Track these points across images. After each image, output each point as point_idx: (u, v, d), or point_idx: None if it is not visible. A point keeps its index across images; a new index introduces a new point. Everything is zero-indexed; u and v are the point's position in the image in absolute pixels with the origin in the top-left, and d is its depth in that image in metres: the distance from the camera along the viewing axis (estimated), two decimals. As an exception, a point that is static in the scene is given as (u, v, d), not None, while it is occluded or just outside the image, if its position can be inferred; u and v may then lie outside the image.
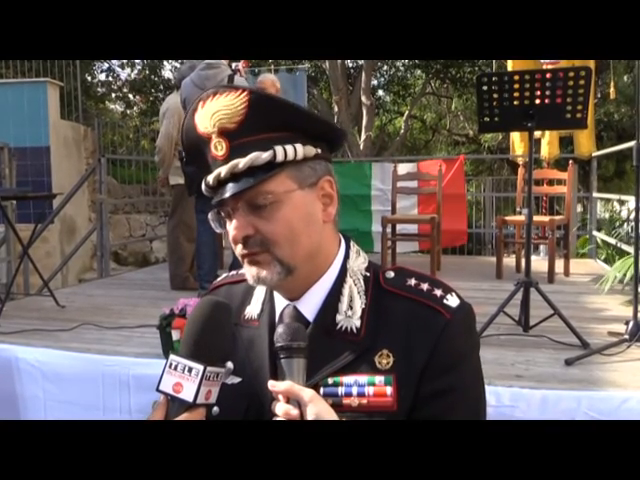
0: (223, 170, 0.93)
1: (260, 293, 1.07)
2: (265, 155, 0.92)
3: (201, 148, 0.97)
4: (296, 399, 0.86)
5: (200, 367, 0.86)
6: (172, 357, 0.88)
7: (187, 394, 0.86)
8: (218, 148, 0.94)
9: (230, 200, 0.94)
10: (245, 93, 0.92)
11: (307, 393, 0.86)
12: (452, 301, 0.97)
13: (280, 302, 1.03)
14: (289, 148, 0.94)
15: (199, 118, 0.95)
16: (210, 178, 0.96)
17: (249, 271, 0.98)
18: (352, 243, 1.05)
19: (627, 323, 2.73)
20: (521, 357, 2.58)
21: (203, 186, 0.98)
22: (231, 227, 0.96)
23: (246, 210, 0.94)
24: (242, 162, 0.92)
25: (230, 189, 0.93)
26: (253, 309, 1.06)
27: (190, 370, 0.86)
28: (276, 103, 0.95)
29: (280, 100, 0.97)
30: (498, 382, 2.22)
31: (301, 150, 0.95)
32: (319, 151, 0.98)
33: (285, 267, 0.95)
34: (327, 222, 1.00)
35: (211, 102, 0.93)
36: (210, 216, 1.01)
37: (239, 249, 0.97)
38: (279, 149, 0.93)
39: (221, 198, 0.94)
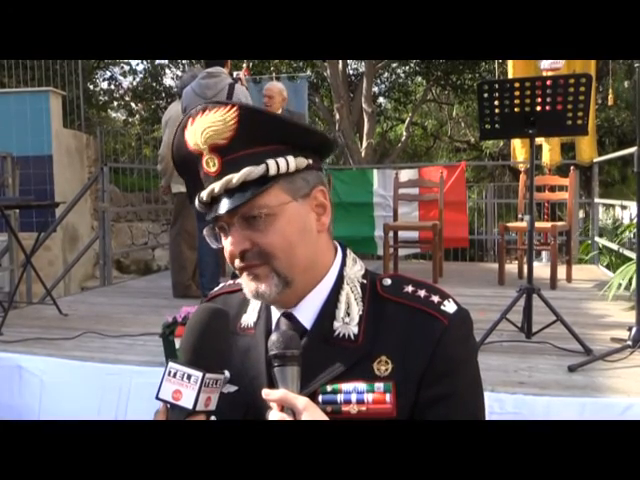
0: (217, 186, 0.93)
1: (256, 301, 1.06)
2: (258, 169, 0.92)
3: (193, 164, 0.97)
4: (290, 407, 0.86)
5: (199, 374, 0.86)
6: (171, 364, 0.88)
7: (186, 401, 0.85)
8: (210, 164, 0.93)
9: (225, 215, 0.94)
10: (235, 108, 0.92)
11: (301, 401, 0.86)
12: (449, 307, 0.97)
13: (277, 310, 1.03)
14: (281, 161, 0.94)
15: (189, 135, 0.95)
16: (204, 194, 0.95)
17: (248, 286, 0.97)
18: (348, 251, 1.05)
19: (630, 329, 2.72)
20: (524, 364, 2.58)
21: (196, 202, 0.98)
22: (227, 243, 0.96)
23: (242, 225, 0.94)
24: (235, 177, 0.91)
25: (225, 205, 0.93)
26: (249, 317, 1.06)
27: (189, 377, 0.86)
28: (266, 117, 0.95)
29: (269, 114, 0.97)
30: (501, 389, 2.22)
31: (293, 162, 0.95)
32: (310, 162, 0.98)
33: (282, 279, 0.95)
34: (321, 232, 1.00)
35: (200, 118, 0.93)
36: (205, 232, 1.00)
37: (237, 263, 0.96)
38: (271, 163, 0.93)
39: (216, 214, 0.94)
